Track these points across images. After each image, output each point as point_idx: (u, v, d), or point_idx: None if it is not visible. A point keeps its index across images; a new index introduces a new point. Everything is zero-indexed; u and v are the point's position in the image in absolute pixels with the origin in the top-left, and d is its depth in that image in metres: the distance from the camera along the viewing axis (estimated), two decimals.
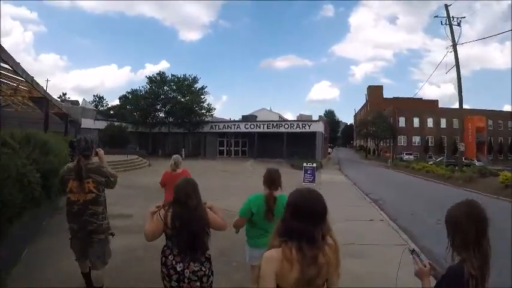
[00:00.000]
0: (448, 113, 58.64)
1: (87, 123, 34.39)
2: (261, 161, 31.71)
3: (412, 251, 1.93)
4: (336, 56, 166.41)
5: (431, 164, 33.46)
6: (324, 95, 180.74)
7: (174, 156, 5.95)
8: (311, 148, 35.53)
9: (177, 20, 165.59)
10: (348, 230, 7.24)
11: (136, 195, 10.99)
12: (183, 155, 37.42)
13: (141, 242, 5.88)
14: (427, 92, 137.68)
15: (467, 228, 1.64)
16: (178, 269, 2.60)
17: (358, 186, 17.63)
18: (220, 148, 42.07)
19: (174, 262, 2.62)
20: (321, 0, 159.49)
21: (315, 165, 18.54)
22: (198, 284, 2.62)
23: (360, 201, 12.77)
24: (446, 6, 27.16)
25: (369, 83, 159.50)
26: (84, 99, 54.23)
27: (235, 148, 42.44)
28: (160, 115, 41.91)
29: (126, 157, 23.96)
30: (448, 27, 26.83)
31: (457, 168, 26.28)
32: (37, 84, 11.25)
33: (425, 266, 1.81)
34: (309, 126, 37.47)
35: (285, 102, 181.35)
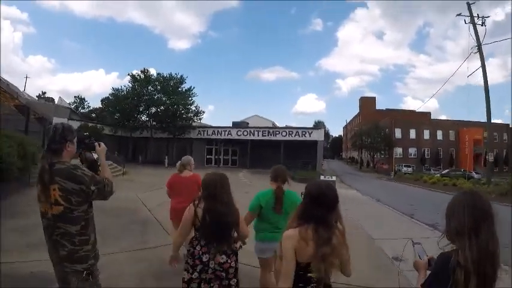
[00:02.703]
0: (444, 124, 58.16)
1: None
2: (255, 172, 28.23)
3: (414, 244, 1.96)
4: (323, 70, 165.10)
5: (442, 177, 30.92)
6: (310, 108, 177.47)
7: (184, 157, 5.41)
8: (311, 158, 31.97)
9: (166, 29, 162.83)
10: None
11: (98, 228, 6.30)
12: (166, 163, 33.56)
13: None
14: (411, 106, 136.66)
15: (462, 216, 1.62)
16: (204, 259, 2.68)
17: (388, 204, 14.35)
18: (208, 156, 37.77)
19: (200, 253, 2.69)
20: (310, 14, 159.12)
21: (334, 178, 15.05)
22: (223, 274, 2.67)
23: (418, 229, 9.04)
24: (469, 5, 24.90)
25: (355, 97, 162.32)
26: (60, 97, 49.56)
27: (225, 157, 38.25)
28: (143, 118, 37.57)
29: None
30: (471, 27, 24.56)
31: (482, 181, 25.16)
32: None
33: (421, 259, 1.88)
34: (310, 134, 33.65)
35: (271, 114, 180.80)
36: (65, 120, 32.01)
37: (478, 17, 24.56)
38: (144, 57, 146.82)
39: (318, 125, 41.72)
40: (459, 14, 25.17)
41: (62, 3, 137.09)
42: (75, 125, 32.13)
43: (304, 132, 34.01)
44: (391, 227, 9.29)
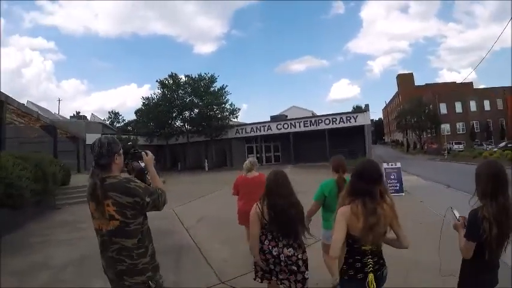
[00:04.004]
0: (490, 93, 52.39)
1: (93, 138, 29.30)
2: (302, 166, 26.40)
3: (451, 209, 2.51)
4: (351, 53, 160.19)
5: (504, 150, 27.80)
6: (345, 94, 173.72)
7: (251, 158, 5.35)
8: (359, 145, 29.59)
9: (190, 35, 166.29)
10: None
11: None
12: (206, 167, 32.49)
13: None
14: (448, 79, 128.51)
15: (485, 181, 2.20)
16: (274, 253, 2.81)
17: (463, 191, 11.88)
18: (249, 155, 35.24)
19: (270, 247, 2.83)
20: None
21: (399, 165, 13.02)
22: (294, 267, 2.77)
23: None
24: None
25: (388, 76, 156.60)
26: (92, 113, 49.83)
27: (267, 154, 36.53)
28: (177, 123, 36.42)
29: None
30: None
31: None
32: None
33: (459, 221, 2.38)
34: (355, 118, 30.81)
35: (305, 105, 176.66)
36: (98, 136, 31.44)
37: None
38: (173, 65, 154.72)
39: (362, 108, 39.05)
40: None
41: (84, 26, 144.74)
42: None
43: (348, 118, 31.28)
44: None
